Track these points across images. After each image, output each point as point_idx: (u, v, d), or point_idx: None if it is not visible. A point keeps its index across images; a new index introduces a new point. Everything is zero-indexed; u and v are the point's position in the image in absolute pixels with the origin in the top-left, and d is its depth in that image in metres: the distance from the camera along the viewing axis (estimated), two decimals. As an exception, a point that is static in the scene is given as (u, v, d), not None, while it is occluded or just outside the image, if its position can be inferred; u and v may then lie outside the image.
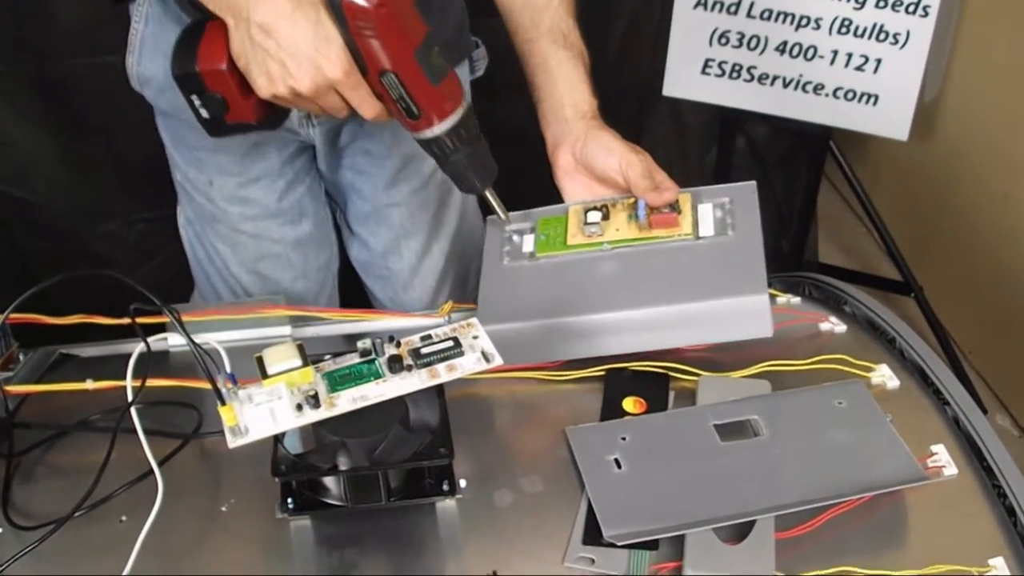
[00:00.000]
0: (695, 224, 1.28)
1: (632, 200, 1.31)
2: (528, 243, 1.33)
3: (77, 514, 1.03)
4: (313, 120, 1.59)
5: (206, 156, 1.60)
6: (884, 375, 1.21)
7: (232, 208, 1.64)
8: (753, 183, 1.33)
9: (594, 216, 1.31)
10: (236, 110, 1.23)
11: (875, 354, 1.25)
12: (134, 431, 1.02)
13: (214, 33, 1.20)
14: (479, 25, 1.64)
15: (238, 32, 1.17)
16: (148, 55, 1.55)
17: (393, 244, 1.77)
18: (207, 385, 0.96)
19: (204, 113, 1.25)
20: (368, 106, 1.20)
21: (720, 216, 1.29)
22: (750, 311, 1.18)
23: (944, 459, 1.07)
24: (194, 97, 1.24)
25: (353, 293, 1.87)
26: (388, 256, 1.79)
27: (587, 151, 1.34)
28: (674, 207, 1.29)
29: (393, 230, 1.75)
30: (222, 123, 1.25)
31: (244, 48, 1.17)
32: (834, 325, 1.31)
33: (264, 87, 1.17)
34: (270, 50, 1.15)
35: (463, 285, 1.87)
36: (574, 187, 1.37)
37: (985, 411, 1.16)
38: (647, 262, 1.27)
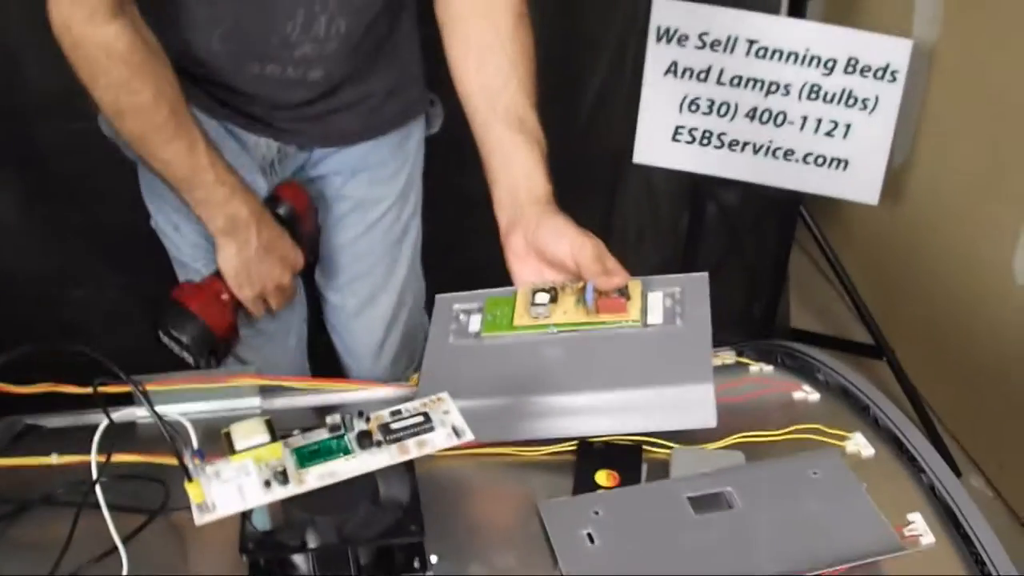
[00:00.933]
0: (644, 311, 1.28)
1: (581, 284, 1.31)
2: (475, 322, 1.33)
3: (40, 593, 1.01)
4: (276, 167, 1.62)
5: (175, 202, 1.61)
6: (859, 444, 1.20)
7: (193, 256, 1.65)
8: (705, 274, 1.33)
9: (542, 298, 1.30)
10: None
11: (849, 422, 1.25)
12: (99, 507, 1.01)
13: (209, 301, 1.36)
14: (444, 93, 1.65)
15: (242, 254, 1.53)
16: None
17: (339, 287, 1.80)
18: (175, 460, 0.94)
19: (200, 361, 1.36)
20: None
21: (670, 305, 1.29)
22: (694, 400, 1.17)
23: (921, 528, 1.06)
24: (211, 357, 1.36)
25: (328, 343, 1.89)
26: (334, 299, 1.82)
27: (539, 235, 1.34)
28: (623, 293, 1.28)
29: (340, 274, 1.79)
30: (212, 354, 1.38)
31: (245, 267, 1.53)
32: (807, 394, 1.30)
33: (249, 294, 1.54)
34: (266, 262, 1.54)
35: (412, 340, 1.89)
36: (524, 271, 1.37)
37: (959, 473, 1.16)
38: (593, 347, 1.27)
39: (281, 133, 1.61)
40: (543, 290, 1.31)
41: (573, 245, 1.30)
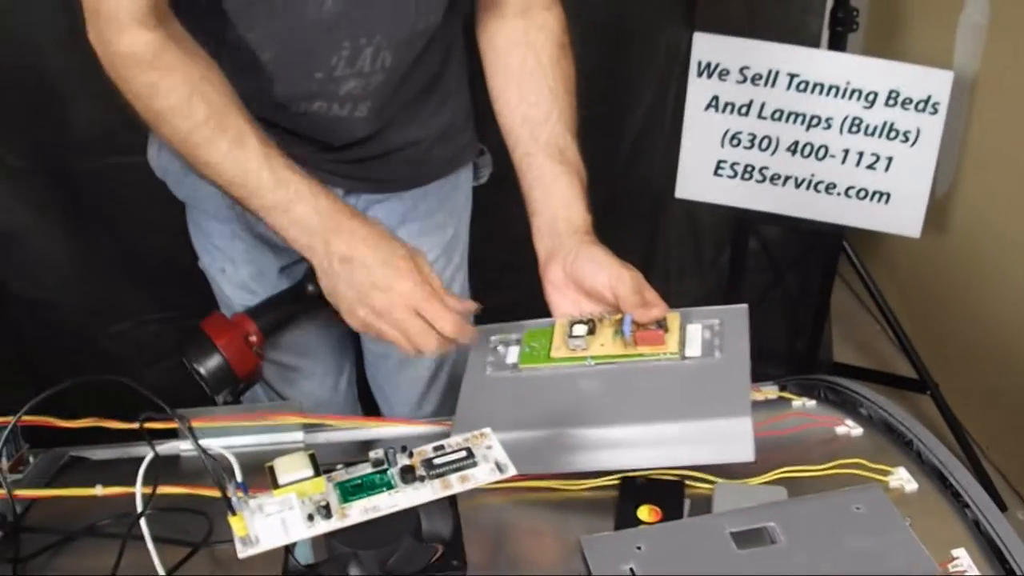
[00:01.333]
0: (682, 344, 1.28)
1: (619, 316, 1.31)
2: (512, 354, 1.33)
3: (85, 625, 1.02)
4: None
5: (221, 243, 1.62)
6: (902, 478, 1.19)
7: (239, 298, 1.65)
8: (744, 307, 1.33)
9: (579, 330, 1.30)
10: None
11: (892, 457, 1.24)
12: (143, 538, 1.01)
13: (234, 339, 1.35)
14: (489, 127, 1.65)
15: (321, 273, 1.36)
16: (166, 147, 1.57)
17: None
18: (218, 493, 0.95)
19: (217, 397, 1.38)
20: (445, 321, 1.29)
21: (708, 338, 1.29)
22: (732, 433, 1.17)
23: (965, 563, 1.06)
24: (229, 394, 1.37)
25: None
26: (376, 349, 1.82)
27: (577, 265, 1.34)
28: (661, 325, 1.28)
29: None
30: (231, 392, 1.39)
31: (330, 288, 1.36)
32: (850, 428, 1.30)
33: (346, 316, 1.36)
34: (349, 279, 1.32)
35: (454, 394, 1.88)
36: (562, 302, 1.37)
37: (1004, 508, 1.15)
38: (630, 379, 1.26)
39: (327, 177, 1.60)
40: (581, 322, 1.32)
41: (611, 276, 1.31)
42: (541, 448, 1.19)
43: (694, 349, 1.27)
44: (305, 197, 1.33)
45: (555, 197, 1.40)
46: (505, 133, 1.47)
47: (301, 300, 1.55)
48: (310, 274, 1.53)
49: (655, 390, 1.24)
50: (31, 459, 1.30)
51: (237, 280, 1.65)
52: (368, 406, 1.92)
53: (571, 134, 1.44)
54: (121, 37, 1.29)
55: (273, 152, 1.34)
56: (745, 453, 1.17)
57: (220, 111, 1.32)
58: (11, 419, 1.12)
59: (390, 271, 1.30)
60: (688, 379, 1.25)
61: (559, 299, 1.37)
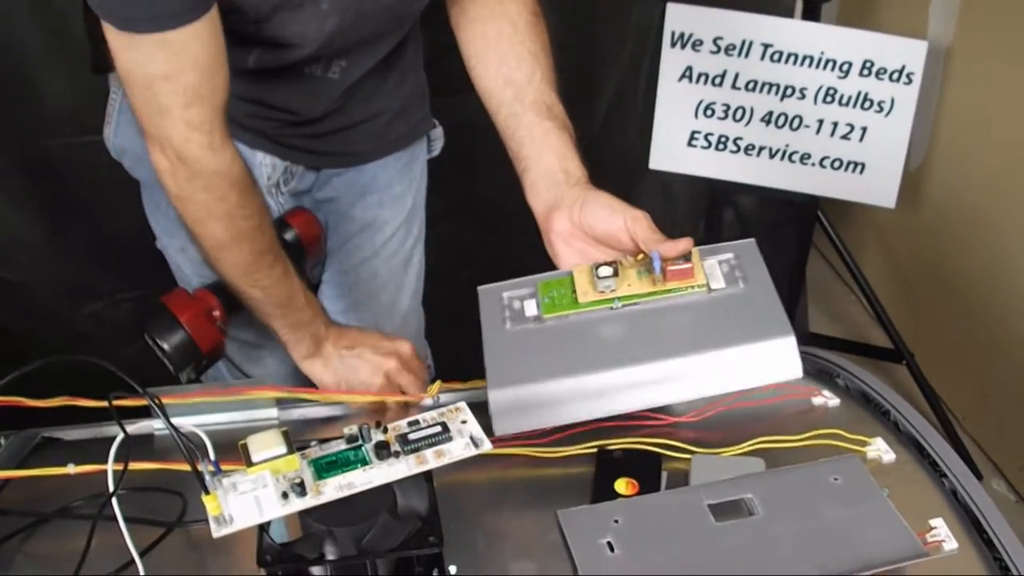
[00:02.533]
0: (706, 277, 1.26)
1: (641, 256, 1.28)
2: (531, 307, 1.29)
3: (56, 608, 1.01)
4: (282, 188, 1.61)
5: (177, 222, 1.61)
6: (879, 449, 1.19)
7: (198, 276, 1.64)
8: (752, 240, 1.30)
9: (605, 271, 1.27)
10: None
11: (870, 427, 1.24)
12: (116, 519, 1.00)
13: (198, 314, 1.35)
14: (455, 102, 1.64)
15: (329, 366, 1.52)
16: (124, 125, 1.57)
17: (343, 311, 1.80)
18: (191, 469, 0.94)
19: (180, 374, 1.37)
20: (418, 374, 1.51)
21: (727, 270, 1.27)
22: (777, 354, 1.17)
23: (943, 533, 1.05)
24: (192, 371, 1.36)
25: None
26: (338, 319, 1.81)
27: (587, 213, 1.32)
28: (687, 259, 1.25)
29: (343, 298, 1.79)
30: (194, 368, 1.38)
31: (343, 376, 1.51)
32: (827, 399, 1.29)
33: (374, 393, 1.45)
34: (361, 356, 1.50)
35: None
36: (569, 253, 1.35)
37: (980, 477, 1.15)
38: (663, 316, 1.24)
39: (289, 152, 1.60)
40: (605, 264, 1.28)
41: (627, 218, 1.29)
42: (587, 393, 1.18)
43: (718, 281, 1.25)
44: (320, 314, 1.51)
45: (548, 151, 1.38)
46: (486, 97, 1.45)
47: None
48: (281, 223, 1.54)
49: (691, 323, 1.23)
50: (2, 441, 1.28)
51: (196, 258, 1.63)
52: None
53: (555, 92, 1.43)
54: (210, 149, 1.30)
55: (298, 281, 1.48)
56: (794, 370, 1.17)
57: (273, 239, 1.42)
58: (-20, 400, 1.12)
59: (391, 341, 1.52)
60: (721, 308, 1.23)
61: (566, 250, 1.35)
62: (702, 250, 1.29)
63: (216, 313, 1.49)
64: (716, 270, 1.27)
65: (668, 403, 1.20)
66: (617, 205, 1.31)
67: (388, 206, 1.73)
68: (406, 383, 1.48)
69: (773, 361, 1.17)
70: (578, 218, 1.33)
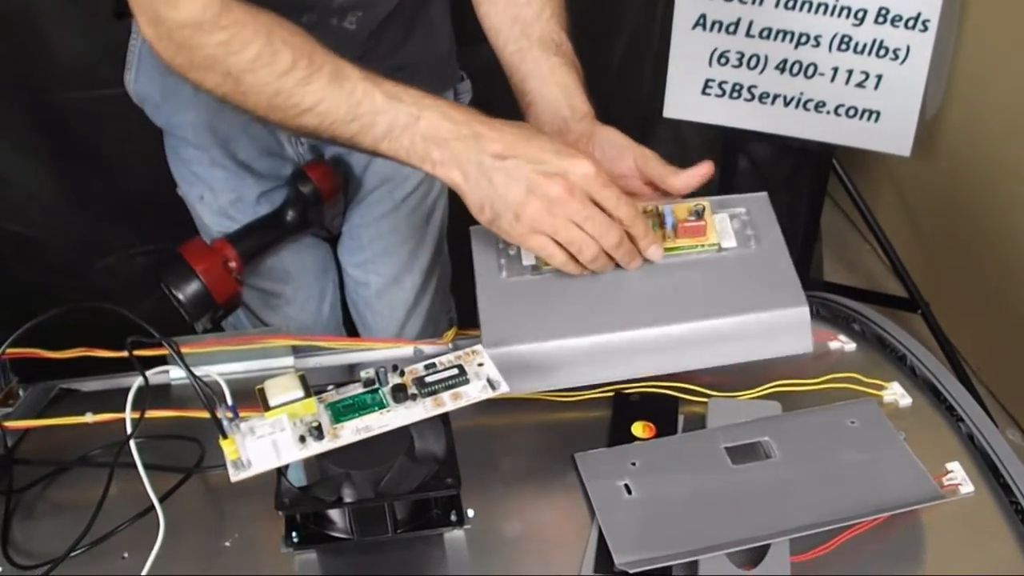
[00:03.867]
0: (718, 236, 1.22)
1: (652, 208, 1.23)
2: (528, 255, 1.22)
3: (77, 552, 1.02)
4: (301, 139, 1.59)
5: (200, 170, 1.61)
6: (896, 393, 1.19)
7: (218, 225, 1.64)
8: (765, 194, 1.27)
9: None
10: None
11: (886, 372, 1.24)
12: (135, 465, 1.01)
13: (214, 264, 1.33)
14: (472, 52, 1.63)
15: (471, 182, 1.16)
16: (145, 72, 1.56)
17: (362, 264, 1.77)
18: (208, 415, 0.95)
19: (195, 323, 1.35)
20: (624, 205, 1.16)
21: (739, 227, 1.23)
22: (790, 325, 1.14)
23: (960, 477, 1.06)
24: (208, 321, 1.34)
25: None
26: (356, 275, 1.80)
27: (594, 149, 1.27)
28: (700, 215, 1.21)
29: (363, 251, 1.76)
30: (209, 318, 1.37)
31: (484, 193, 1.16)
32: (843, 344, 1.29)
33: (512, 227, 1.16)
34: (512, 171, 1.15)
35: (435, 321, 1.87)
36: None
37: (996, 426, 1.15)
38: (669, 275, 1.19)
39: None
40: None
41: (637, 156, 1.25)
42: (588, 357, 1.14)
43: (728, 240, 1.21)
44: (428, 106, 1.19)
45: (554, 86, 1.33)
46: (493, 34, 1.41)
47: (281, 226, 1.54)
48: (290, 200, 1.52)
49: (699, 285, 1.18)
50: (21, 392, 1.29)
51: (216, 207, 1.64)
52: (349, 333, 1.92)
53: (565, 32, 1.39)
54: (178, 8, 1.20)
55: (376, 76, 1.21)
56: (804, 344, 1.15)
57: (306, 50, 1.21)
58: (-3, 352, 1.12)
59: (564, 157, 1.15)
60: (731, 271, 1.19)
61: None
62: (713, 202, 1.25)
63: (233, 264, 1.49)
64: (727, 226, 1.23)
65: (670, 372, 1.18)
66: (625, 142, 1.27)
67: None
68: (571, 218, 1.15)
69: (785, 333, 1.15)
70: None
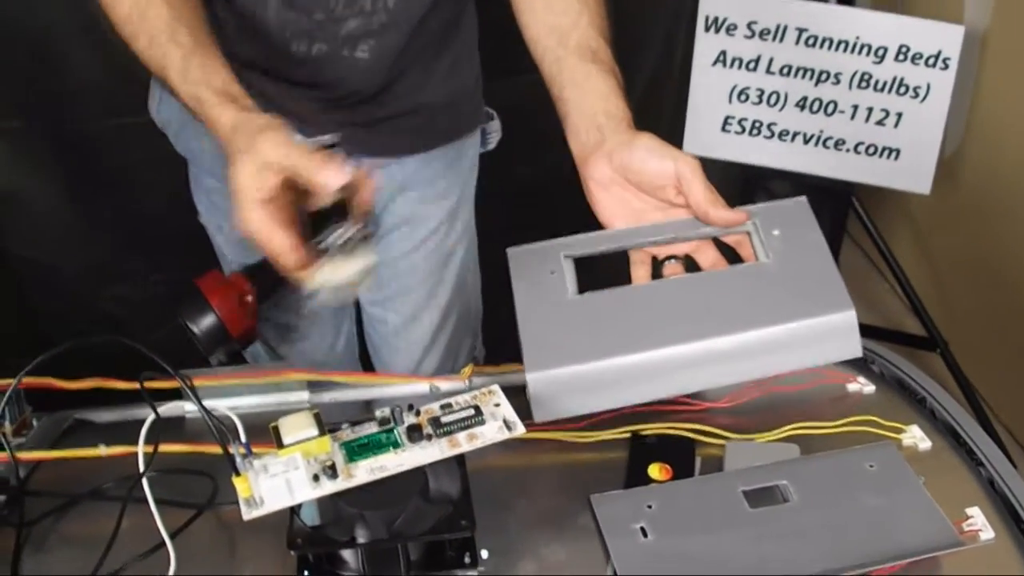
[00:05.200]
0: (760, 242, 1.19)
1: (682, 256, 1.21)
2: (570, 277, 1.21)
3: (87, 588, 1.01)
4: None
5: (219, 200, 1.61)
6: (915, 436, 1.18)
7: (236, 255, 1.64)
8: (803, 198, 1.23)
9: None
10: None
11: (905, 414, 1.23)
12: (147, 500, 1.01)
13: (230, 297, 1.31)
14: (500, 85, 1.62)
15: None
16: (167, 99, 1.57)
17: (380, 302, 1.77)
18: (221, 451, 0.95)
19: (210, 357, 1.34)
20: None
21: (779, 234, 1.19)
22: (837, 330, 1.11)
23: (980, 522, 1.05)
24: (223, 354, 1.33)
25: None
26: (374, 312, 1.80)
27: (632, 156, 1.22)
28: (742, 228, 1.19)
29: (381, 289, 1.76)
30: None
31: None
32: (862, 385, 1.28)
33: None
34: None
35: (453, 358, 1.86)
36: (609, 201, 1.25)
37: (1015, 468, 1.14)
38: (711, 286, 1.18)
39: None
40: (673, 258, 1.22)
41: (679, 164, 1.19)
42: (636, 375, 1.12)
43: (772, 247, 1.18)
44: (220, 104, 1.15)
45: (590, 93, 1.29)
46: (532, 46, 1.38)
47: None
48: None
49: (744, 295, 1.15)
50: (34, 422, 1.29)
51: (234, 237, 1.64)
52: (365, 367, 1.91)
53: (603, 39, 1.35)
54: None
55: (180, 54, 1.19)
56: (853, 349, 1.12)
57: (141, 5, 1.22)
58: (12, 381, 1.12)
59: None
60: (774, 279, 1.16)
61: (605, 197, 1.25)
62: (752, 211, 1.21)
63: (249, 298, 1.48)
64: (768, 234, 1.19)
65: (724, 384, 1.17)
66: (665, 149, 1.22)
67: (430, 202, 1.69)
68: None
69: (833, 338, 1.12)
70: (621, 161, 1.23)
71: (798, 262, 1.17)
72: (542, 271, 1.21)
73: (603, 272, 1.25)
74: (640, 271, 1.22)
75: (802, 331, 1.11)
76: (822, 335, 1.11)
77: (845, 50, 2.40)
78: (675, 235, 1.21)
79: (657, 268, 1.22)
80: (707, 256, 1.22)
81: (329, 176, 1.05)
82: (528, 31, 1.39)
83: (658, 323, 1.14)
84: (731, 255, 1.22)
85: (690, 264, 1.22)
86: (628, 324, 1.14)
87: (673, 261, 1.21)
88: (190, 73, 1.17)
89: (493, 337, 1.92)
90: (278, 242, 1.06)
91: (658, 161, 1.20)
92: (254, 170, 1.05)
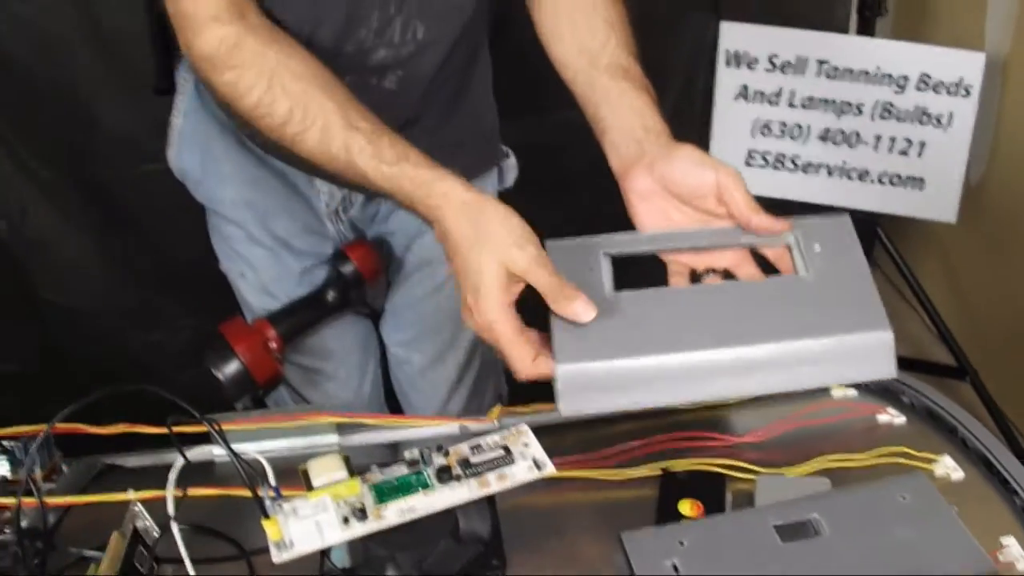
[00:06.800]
0: (800, 255, 1.18)
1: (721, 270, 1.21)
2: (607, 275, 1.19)
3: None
4: (341, 216, 1.60)
5: (240, 248, 1.62)
6: (947, 466, 1.18)
7: (259, 302, 1.64)
8: (846, 215, 1.22)
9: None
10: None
11: (936, 445, 1.23)
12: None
13: (254, 345, 1.31)
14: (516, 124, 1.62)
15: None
16: (187, 148, 1.58)
17: (404, 343, 1.76)
18: (250, 494, 0.94)
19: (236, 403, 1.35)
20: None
21: (819, 249, 1.18)
22: (873, 349, 1.08)
23: (1016, 552, 1.04)
24: (248, 400, 1.34)
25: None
26: (399, 353, 1.79)
27: (673, 167, 1.21)
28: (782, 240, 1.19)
29: (405, 330, 1.76)
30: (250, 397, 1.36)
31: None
32: (893, 417, 1.28)
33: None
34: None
35: (479, 397, 1.85)
36: (649, 211, 1.24)
37: (1050, 498, 1.13)
38: (746, 295, 1.16)
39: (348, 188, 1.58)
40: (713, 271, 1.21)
41: (720, 174, 1.19)
42: (665, 376, 1.09)
43: (810, 260, 1.16)
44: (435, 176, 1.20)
45: (625, 109, 1.29)
46: (562, 69, 1.39)
47: (322, 305, 1.54)
48: (331, 280, 1.52)
49: (780, 306, 1.13)
50: (64, 468, 1.29)
51: (257, 284, 1.64)
52: (392, 410, 1.91)
53: (633, 57, 1.36)
54: (198, 38, 1.23)
55: (365, 138, 1.21)
56: (888, 369, 1.09)
57: (302, 101, 1.22)
58: (43, 427, 1.12)
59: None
60: (812, 292, 1.14)
61: (646, 208, 1.24)
62: (793, 222, 1.20)
63: (273, 344, 1.49)
64: (807, 248, 1.18)
65: (752, 394, 1.17)
66: (706, 159, 1.21)
67: None
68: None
69: (868, 357, 1.09)
70: (663, 172, 1.22)
71: (838, 278, 1.15)
72: (579, 266, 1.19)
73: (639, 284, 1.24)
74: (678, 283, 1.22)
75: (838, 346, 1.09)
76: (858, 353, 1.09)
77: (866, 81, 2.40)
78: (715, 240, 1.21)
79: (696, 281, 1.21)
80: (746, 271, 1.21)
81: (578, 312, 1.10)
82: (556, 54, 1.40)
83: (693, 326, 1.12)
84: (770, 270, 1.21)
85: (729, 279, 1.21)
86: (662, 325, 1.12)
87: (712, 275, 1.20)
88: (384, 155, 1.19)
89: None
90: (518, 352, 1.09)
91: (700, 171, 1.20)
92: (504, 274, 1.10)
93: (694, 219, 1.22)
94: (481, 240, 1.12)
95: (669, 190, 1.22)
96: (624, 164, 1.25)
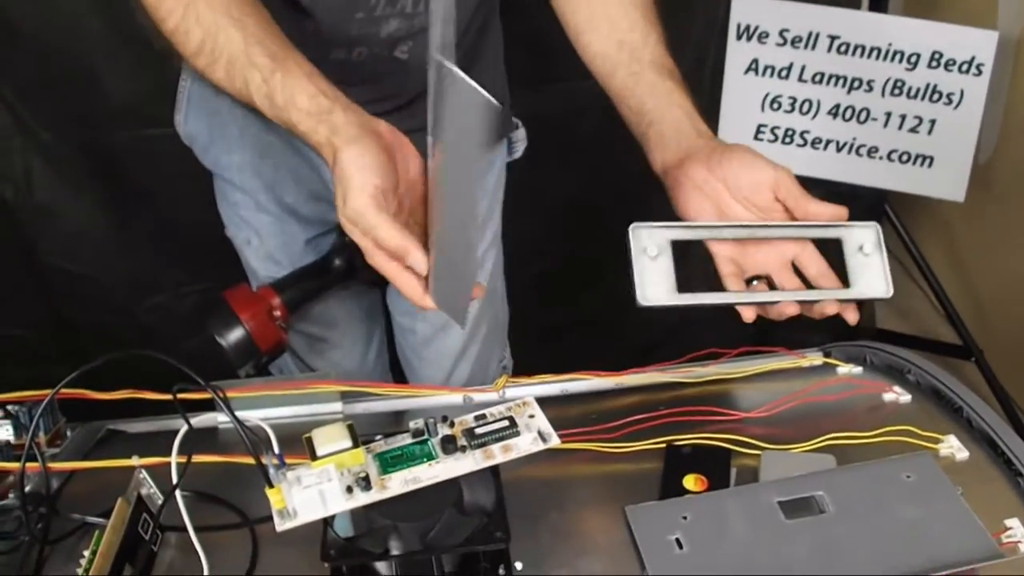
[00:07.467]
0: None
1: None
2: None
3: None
4: None
5: (247, 214, 1.61)
6: (952, 446, 1.17)
7: (264, 270, 1.64)
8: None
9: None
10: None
11: (942, 424, 1.22)
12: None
13: (258, 312, 1.30)
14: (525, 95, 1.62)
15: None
16: (194, 113, 1.57)
17: (409, 311, 1.77)
18: (253, 462, 0.94)
19: (239, 370, 1.34)
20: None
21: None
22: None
23: (1019, 534, 1.04)
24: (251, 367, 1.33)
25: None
26: (404, 322, 1.79)
27: (731, 165, 1.24)
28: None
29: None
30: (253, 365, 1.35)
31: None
32: (898, 395, 1.27)
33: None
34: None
35: (484, 368, 1.85)
36: (702, 202, 1.26)
37: (1055, 482, 1.13)
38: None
39: None
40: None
41: (777, 175, 1.22)
42: None
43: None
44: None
45: (676, 107, 1.32)
46: (600, 61, 1.39)
47: (327, 274, 1.53)
48: (337, 247, 1.51)
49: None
50: (68, 433, 1.29)
51: (263, 252, 1.64)
52: (397, 379, 1.91)
53: (670, 56, 1.38)
54: None
55: (261, 77, 1.18)
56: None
57: (212, 31, 1.19)
58: (48, 392, 1.12)
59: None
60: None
61: (700, 200, 1.26)
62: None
63: (277, 312, 1.49)
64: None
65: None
66: (761, 157, 1.25)
67: None
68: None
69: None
70: (720, 168, 1.25)
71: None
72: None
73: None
74: (733, 285, 1.23)
75: None
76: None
77: (877, 57, 2.39)
78: (775, 228, 1.23)
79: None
80: (813, 263, 1.24)
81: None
82: (592, 48, 1.40)
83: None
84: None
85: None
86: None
87: (758, 282, 1.23)
88: (275, 98, 1.17)
89: (519, 345, 1.91)
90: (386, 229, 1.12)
91: (757, 168, 1.23)
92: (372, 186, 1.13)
93: (744, 215, 1.25)
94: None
95: (725, 184, 1.24)
96: (676, 156, 1.28)
